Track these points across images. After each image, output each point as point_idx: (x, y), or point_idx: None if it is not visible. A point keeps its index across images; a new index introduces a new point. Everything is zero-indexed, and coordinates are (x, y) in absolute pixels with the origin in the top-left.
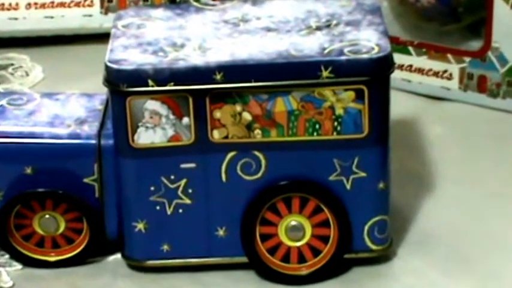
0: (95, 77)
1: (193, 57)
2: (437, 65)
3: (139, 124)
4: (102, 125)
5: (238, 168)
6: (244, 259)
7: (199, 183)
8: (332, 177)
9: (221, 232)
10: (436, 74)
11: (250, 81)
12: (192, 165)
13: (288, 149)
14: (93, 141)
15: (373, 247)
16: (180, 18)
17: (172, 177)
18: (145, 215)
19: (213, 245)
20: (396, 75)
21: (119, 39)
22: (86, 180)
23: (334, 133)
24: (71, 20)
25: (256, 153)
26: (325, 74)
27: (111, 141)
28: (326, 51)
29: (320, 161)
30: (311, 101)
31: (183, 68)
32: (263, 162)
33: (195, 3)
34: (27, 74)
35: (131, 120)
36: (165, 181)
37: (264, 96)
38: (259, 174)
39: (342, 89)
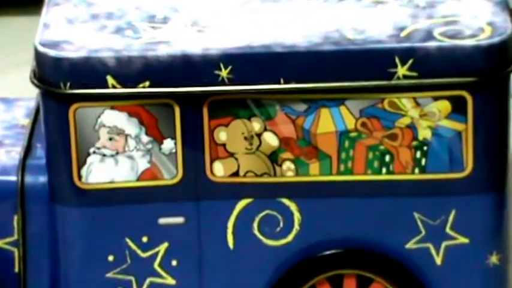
0: (20, 68)
1: (182, 41)
2: None
3: (91, 150)
4: (27, 150)
5: (255, 226)
6: None
7: (190, 250)
8: (411, 245)
9: None
10: None
11: (277, 82)
12: (179, 220)
13: (338, 196)
14: (12, 178)
15: None
16: None
17: (144, 239)
18: None
19: None
20: None
21: (58, 8)
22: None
23: (416, 170)
24: None
25: (285, 201)
26: (401, 71)
27: (42, 179)
28: (404, 33)
29: (391, 217)
30: (377, 115)
31: (166, 58)
32: (296, 217)
33: None
34: None
35: (77, 143)
36: (133, 246)
37: (299, 106)
38: (290, 237)
39: (430, 97)
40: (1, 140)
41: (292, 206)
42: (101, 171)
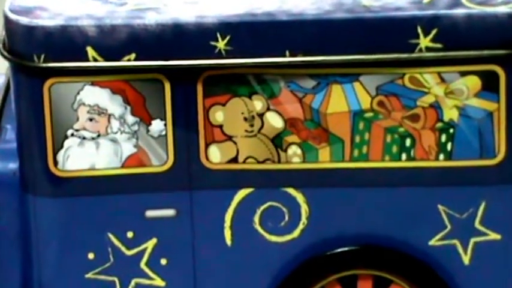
0: None
1: (173, 7)
2: None
3: (69, 132)
4: None
5: (256, 219)
6: None
7: (181, 247)
8: (435, 242)
9: None
10: None
11: (281, 54)
12: (169, 212)
13: (351, 186)
14: None
15: None
16: None
17: (129, 235)
18: None
19: None
20: None
21: None
22: None
23: (441, 157)
24: None
25: (291, 192)
26: (424, 42)
27: (12, 165)
28: None
29: (412, 210)
30: (396, 93)
31: (155, 27)
32: (303, 209)
33: None
34: None
35: (53, 124)
36: (116, 243)
37: (306, 82)
38: (296, 233)
39: (457, 72)
40: None
41: (299, 197)
42: (80, 157)
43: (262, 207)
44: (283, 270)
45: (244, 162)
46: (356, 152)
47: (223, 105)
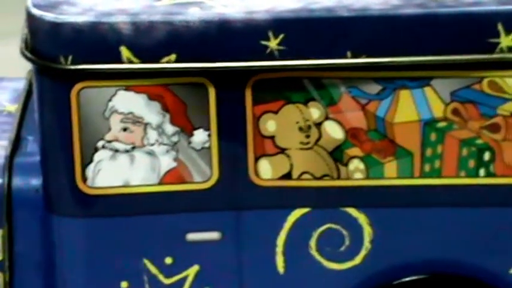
0: (5, 38)
1: (219, 1)
2: None
3: (100, 144)
4: (15, 145)
5: (312, 244)
6: None
7: (227, 275)
8: None
9: None
10: None
11: (342, 55)
12: (213, 235)
13: (421, 206)
14: None
15: None
16: None
17: (168, 261)
18: None
19: None
20: None
21: None
22: None
23: None
24: None
25: (352, 212)
26: (505, 41)
27: (34, 182)
28: None
29: (491, 232)
30: (474, 100)
31: (198, 24)
32: (366, 232)
33: None
34: None
35: (81, 134)
36: (153, 270)
37: (370, 87)
38: (358, 259)
39: None
40: None
41: (361, 218)
42: (112, 172)
43: (319, 230)
44: None
45: (298, 178)
46: (427, 167)
47: (276, 113)
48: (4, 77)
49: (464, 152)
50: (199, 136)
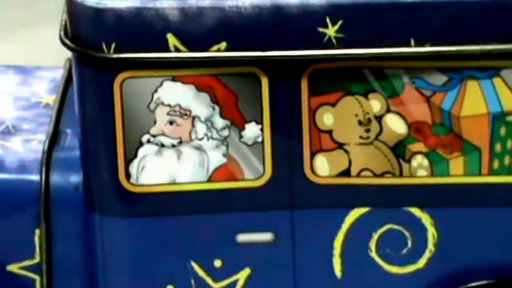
0: (44, 24)
1: None
2: None
3: (145, 138)
4: (53, 139)
5: (372, 246)
6: None
7: (280, 279)
8: None
9: None
10: None
11: (405, 43)
12: (265, 236)
13: (490, 206)
14: (32, 178)
15: None
16: None
17: (217, 264)
18: None
19: None
20: None
21: None
22: (13, 268)
23: None
24: None
25: (416, 212)
26: None
27: (74, 178)
28: None
29: None
30: None
31: (250, 10)
32: (430, 233)
33: None
34: None
35: (124, 128)
36: (201, 273)
37: (435, 78)
38: (421, 262)
39: None
40: (16, 124)
41: (425, 219)
42: (157, 168)
43: (379, 231)
44: None
45: (358, 175)
46: (496, 164)
47: (333, 105)
48: (42, 66)
49: None
50: (251, 130)
